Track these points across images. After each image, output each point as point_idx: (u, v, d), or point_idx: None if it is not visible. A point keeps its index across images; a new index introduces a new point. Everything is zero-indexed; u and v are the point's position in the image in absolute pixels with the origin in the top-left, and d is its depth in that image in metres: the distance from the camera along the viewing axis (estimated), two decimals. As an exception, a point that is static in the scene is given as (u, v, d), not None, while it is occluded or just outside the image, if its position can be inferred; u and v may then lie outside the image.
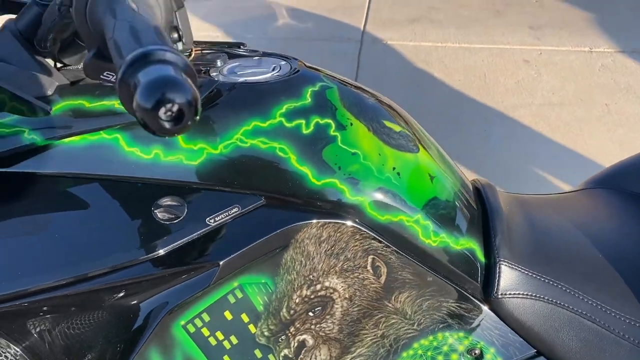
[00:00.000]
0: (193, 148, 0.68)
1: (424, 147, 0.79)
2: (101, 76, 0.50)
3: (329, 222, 0.70)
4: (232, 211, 0.68)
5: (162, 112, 0.39)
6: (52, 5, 0.68)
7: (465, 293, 0.77)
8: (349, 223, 0.70)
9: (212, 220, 0.67)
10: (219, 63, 0.77)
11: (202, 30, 3.13)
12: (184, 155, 0.67)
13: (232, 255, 0.66)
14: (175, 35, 0.54)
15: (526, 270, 0.77)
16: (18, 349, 0.65)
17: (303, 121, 0.70)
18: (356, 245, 0.71)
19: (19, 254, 0.64)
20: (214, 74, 0.75)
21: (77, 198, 0.67)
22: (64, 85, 0.71)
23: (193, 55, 0.80)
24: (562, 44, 2.94)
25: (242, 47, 0.84)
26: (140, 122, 0.40)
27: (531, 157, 2.25)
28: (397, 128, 0.77)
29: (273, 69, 0.77)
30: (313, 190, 0.69)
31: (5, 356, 0.65)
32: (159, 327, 0.65)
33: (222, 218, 0.67)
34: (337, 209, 0.70)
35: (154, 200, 0.67)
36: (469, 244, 0.78)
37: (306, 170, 0.69)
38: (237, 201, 0.68)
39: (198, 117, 0.41)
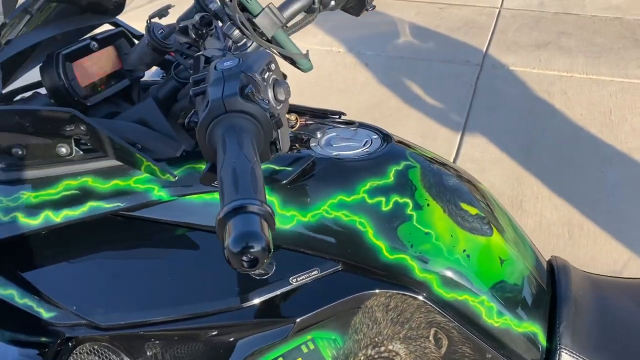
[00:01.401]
0: (286, 214, 0.78)
1: (498, 230, 0.84)
2: (213, 184, 0.62)
3: (398, 294, 0.78)
4: (312, 273, 0.78)
5: (244, 257, 0.50)
6: (187, 87, 0.82)
7: (523, 373, 0.81)
8: (417, 297, 0.78)
9: (294, 280, 0.77)
10: (318, 134, 0.87)
11: (326, 44, 3.27)
12: (278, 220, 0.78)
13: (308, 314, 0.76)
14: (273, 148, 0.64)
15: (587, 362, 0.80)
16: None
17: (383, 199, 0.79)
18: (421, 317, 0.79)
19: (140, 289, 0.79)
20: (313, 144, 0.86)
21: (190, 244, 0.81)
22: (189, 148, 0.85)
23: (298, 125, 0.91)
24: None
25: (341, 116, 0.94)
26: (225, 257, 0.51)
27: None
28: (473, 211, 0.83)
29: (364, 144, 0.86)
30: (385, 263, 0.77)
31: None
32: None
33: (303, 279, 0.77)
34: (406, 283, 0.78)
35: None
36: (532, 327, 0.81)
37: (381, 245, 0.78)
38: (317, 265, 0.78)
39: (271, 255, 0.51)
